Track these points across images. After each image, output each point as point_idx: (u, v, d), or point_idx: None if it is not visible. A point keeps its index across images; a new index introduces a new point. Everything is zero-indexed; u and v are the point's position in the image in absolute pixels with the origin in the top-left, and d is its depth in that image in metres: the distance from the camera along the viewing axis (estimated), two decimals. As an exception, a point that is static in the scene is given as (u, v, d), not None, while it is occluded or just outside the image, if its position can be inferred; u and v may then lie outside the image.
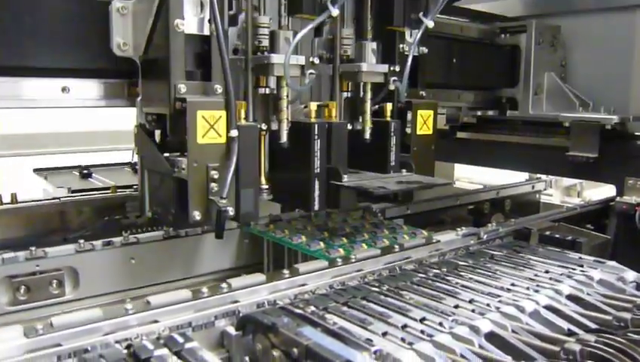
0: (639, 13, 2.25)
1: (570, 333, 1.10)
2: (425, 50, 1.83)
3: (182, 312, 1.11)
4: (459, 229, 1.68)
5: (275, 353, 1.00)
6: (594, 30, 2.40)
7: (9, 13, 1.33)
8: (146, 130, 1.47)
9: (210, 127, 1.32)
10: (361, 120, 1.71)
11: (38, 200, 2.07)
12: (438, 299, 1.21)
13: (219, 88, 1.36)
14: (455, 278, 1.36)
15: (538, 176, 2.95)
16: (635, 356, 0.94)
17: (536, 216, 2.01)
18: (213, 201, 1.32)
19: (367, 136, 1.70)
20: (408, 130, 1.78)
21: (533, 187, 2.91)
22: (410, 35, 1.77)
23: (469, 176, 3.51)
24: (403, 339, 1.00)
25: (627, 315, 1.13)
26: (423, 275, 1.38)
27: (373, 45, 1.69)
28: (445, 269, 1.42)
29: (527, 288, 1.28)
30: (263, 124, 1.55)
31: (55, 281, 1.49)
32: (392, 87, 1.73)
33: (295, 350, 0.96)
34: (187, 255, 1.69)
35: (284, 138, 1.53)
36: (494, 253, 1.57)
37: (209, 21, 1.36)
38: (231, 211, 1.34)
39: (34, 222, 2.00)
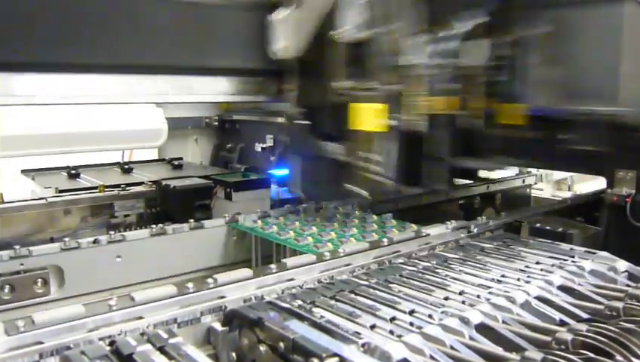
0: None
1: (562, 323, 1.09)
2: None
3: (167, 308, 1.09)
4: (448, 223, 1.67)
5: (262, 348, 0.98)
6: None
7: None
8: (293, 120, 1.68)
9: (369, 117, 1.46)
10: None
11: (24, 201, 2.05)
12: (427, 292, 1.19)
13: (372, 85, 1.47)
14: (445, 271, 1.34)
15: (528, 170, 2.95)
16: (627, 344, 0.93)
17: (527, 209, 2.00)
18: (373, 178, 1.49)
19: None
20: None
21: (523, 181, 2.91)
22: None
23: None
24: (392, 332, 0.99)
25: (619, 304, 1.11)
26: (413, 268, 1.36)
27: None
28: (435, 262, 1.41)
29: (518, 279, 1.27)
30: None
31: (40, 280, 1.47)
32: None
33: (282, 344, 0.94)
34: (174, 252, 1.67)
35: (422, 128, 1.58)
36: (485, 245, 1.56)
37: (367, 28, 1.47)
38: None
39: (20, 222, 1.99)
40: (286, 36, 1.53)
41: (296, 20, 1.52)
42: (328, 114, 1.55)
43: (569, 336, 0.95)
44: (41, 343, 0.95)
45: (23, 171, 2.77)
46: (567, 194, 3.04)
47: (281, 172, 2.52)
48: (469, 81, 1.72)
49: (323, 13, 1.49)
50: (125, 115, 3.12)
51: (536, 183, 3.00)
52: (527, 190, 2.96)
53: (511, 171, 2.94)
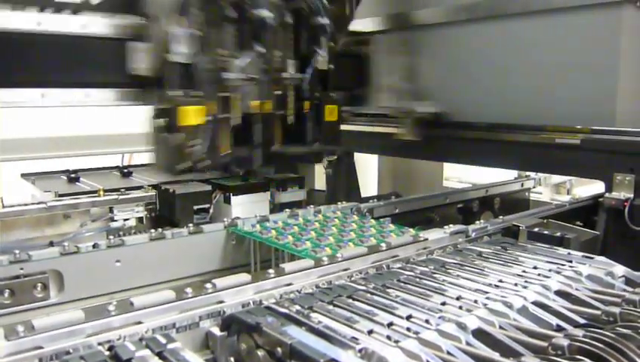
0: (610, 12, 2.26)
1: (559, 329, 1.10)
2: (332, 66, 2.43)
3: (166, 313, 1.09)
4: (446, 227, 1.67)
5: (260, 353, 0.98)
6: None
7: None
8: (156, 118, 2.02)
9: (191, 115, 1.92)
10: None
11: (24, 205, 2.06)
12: (425, 297, 1.20)
13: (196, 93, 1.97)
14: (442, 276, 1.34)
15: (527, 174, 2.96)
16: (624, 350, 0.93)
17: (525, 213, 2.00)
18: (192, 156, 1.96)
19: (291, 121, 2.32)
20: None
21: (522, 185, 2.91)
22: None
23: (459, 175, 3.52)
24: (389, 337, 0.99)
25: (616, 309, 1.12)
26: (410, 273, 1.37)
27: (292, 62, 2.33)
28: (432, 267, 1.41)
29: (515, 284, 1.27)
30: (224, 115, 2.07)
31: (40, 285, 1.48)
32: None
33: (279, 349, 0.94)
34: (173, 257, 1.67)
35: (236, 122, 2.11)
36: (482, 250, 1.56)
37: (190, 54, 1.96)
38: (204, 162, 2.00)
39: (20, 227, 1.99)
40: (142, 59, 2.01)
41: (148, 48, 2.01)
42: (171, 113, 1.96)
43: (565, 342, 0.95)
44: (41, 348, 0.95)
45: (22, 175, 2.78)
46: (566, 198, 3.05)
47: (280, 176, 2.54)
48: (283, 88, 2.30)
49: (165, 43, 1.94)
50: (124, 119, 3.12)
51: (534, 187, 3.01)
52: (526, 194, 2.97)
53: (509, 175, 2.95)
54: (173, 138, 1.95)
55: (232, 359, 1.06)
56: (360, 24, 2.99)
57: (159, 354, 0.94)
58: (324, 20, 2.30)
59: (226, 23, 2.10)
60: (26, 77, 1.95)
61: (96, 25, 2.03)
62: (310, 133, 2.40)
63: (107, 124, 3.46)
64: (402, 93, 2.79)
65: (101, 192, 2.27)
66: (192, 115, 1.94)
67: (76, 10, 2.00)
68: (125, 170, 2.85)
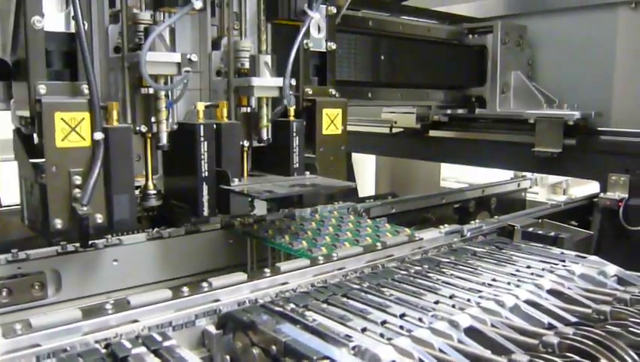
0: (607, 14, 2.28)
1: (550, 327, 1.11)
2: (333, 45, 1.80)
3: (162, 312, 1.11)
4: (442, 227, 1.69)
5: (255, 351, 1.00)
6: (563, 29, 2.45)
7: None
8: (22, 134, 1.42)
9: (71, 129, 1.26)
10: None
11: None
12: (418, 296, 1.21)
13: (86, 88, 1.29)
14: (436, 275, 1.36)
15: (523, 174, 2.97)
16: (613, 347, 0.95)
17: (520, 213, 2.02)
18: (75, 208, 1.26)
19: (265, 136, 1.65)
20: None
21: (518, 185, 2.92)
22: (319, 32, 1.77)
23: (456, 176, 3.53)
24: (382, 335, 1.00)
25: (607, 308, 1.13)
26: (405, 272, 1.38)
27: (267, 58, 1.61)
28: (427, 266, 1.43)
29: (509, 283, 1.29)
30: (143, 126, 1.49)
31: (37, 284, 1.48)
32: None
33: (274, 347, 0.96)
34: (171, 256, 1.68)
35: (163, 140, 1.48)
36: (477, 249, 1.58)
37: (72, 17, 1.28)
38: (99, 219, 1.31)
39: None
40: None
41: (1, 11, 1.41)
42: (38, 125, 1.39)
43: (555, 339, 0.97)
44: (38, 346, 0.96)
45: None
46: (562, 198, 3.06)
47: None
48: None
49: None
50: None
51: (531, 187, 3.02)
52: (523, 194, 2.98)
53: (505, 175, 2.96)
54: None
55: (227, 357, 1.08)
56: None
57: (155, 352, 0.95)
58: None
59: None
60: None
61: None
62: (297, 156, 2.02)
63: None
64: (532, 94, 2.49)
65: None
66: (78, 128, 1.27)
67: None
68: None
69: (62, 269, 1.51)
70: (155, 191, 1.57)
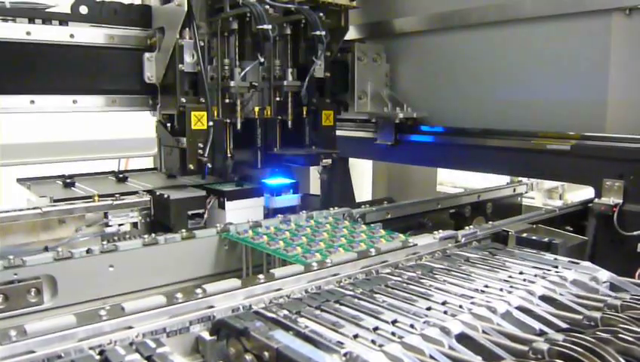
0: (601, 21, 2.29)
1: (541, 333, 1.12)
2: (328, 74, 2.67)
3: (156, 318, 1.11)
4: (436, 233, 1.69)
5: (248, 357, 1.01)
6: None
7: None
8: (162, 123, 2.43)
9: (197, 120, 2.24)
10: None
11: (19, 210, 2.07)
12: (410, 302, 1.22)
13: (202, 100, 2.26)
14: (429, 281, 1.36)
15: (519, 179, 2.98)
16: (602, 354, 0.95)
17: (515, 219, 2.02)
18: (201, 159, 2.25)
19: (290, 126, 2.55)
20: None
21: (514, 190, 2.93)
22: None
23: (452, 180, 3.54)
24: (373, 341, 1.01)
25: (597, 314, 1.14)
26: (398, 278, 1.39)
27: (291, 70, 2.52)
28: (420, 272, 1.43)
29: (501, 289, 1.30)
30: (227, 120, 2.38)
31: (33, 290, 1.50)
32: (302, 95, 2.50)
33: (266, 353, 0.97)
34: (166, 262, 1.69)
35: (238, 127, 2.39)
36: (470, 255, 1.58)
37: (197, 64, 2.26)
38: (209, 165, 2.27)
39: (15, 232, 2.00)
40: (151, 69, 2.34)
41: (157, 59, 2.33)
42: (178, 118, 2.33)
43: (545, 346, 0.97)
44: (33, 352, 0.97)
45: (18, 180, 2.79)
46: (558, 203, 3.07)
47: (275, 181, 2.56)
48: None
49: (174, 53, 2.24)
50: (121, 124, 3.15)
51: (527, 192, 3.03)
52: (518, 199, 2.99)
53: (501, 180, 2.97)
54: (182, 141, 2.27)
55: (221, 363, 1.09)
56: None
57: (148, 358, 0.96)
58: (321, 32, 2.40)
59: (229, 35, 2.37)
60: (17, 84, 2.18)
61: (84, 35, 2.26)
62: (308, 137, 2.64)
63: (103, 130, 3.49)
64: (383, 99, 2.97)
65: (96, 197, 2.29)
66: (201, 120, 2.25)
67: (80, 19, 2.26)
68: (121, 175, 2.86)
69: (58, 275, 1.52)
70: (231, 155, 2.41)
